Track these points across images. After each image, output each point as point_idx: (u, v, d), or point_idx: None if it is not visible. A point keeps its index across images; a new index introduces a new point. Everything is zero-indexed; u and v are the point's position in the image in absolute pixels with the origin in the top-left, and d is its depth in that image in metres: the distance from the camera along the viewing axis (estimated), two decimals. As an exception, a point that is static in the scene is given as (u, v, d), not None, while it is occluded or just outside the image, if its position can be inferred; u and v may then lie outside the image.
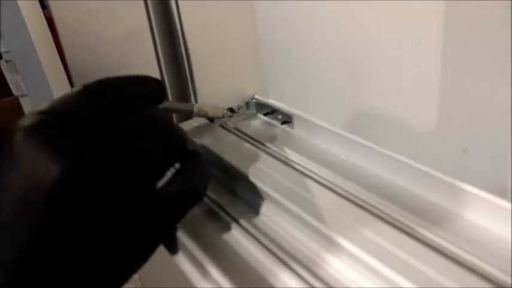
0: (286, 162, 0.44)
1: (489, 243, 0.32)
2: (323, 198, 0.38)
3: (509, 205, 0.32)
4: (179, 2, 0.48)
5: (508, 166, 0.31)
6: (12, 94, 1.19)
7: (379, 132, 0.43)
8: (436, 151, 0.37)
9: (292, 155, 0.46)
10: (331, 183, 0.41)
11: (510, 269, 0.29)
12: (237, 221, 0.39)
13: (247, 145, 0.48)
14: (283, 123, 0.52)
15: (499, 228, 0.33)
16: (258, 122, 0.55)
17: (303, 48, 0.48)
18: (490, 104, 0.30)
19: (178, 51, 0.51)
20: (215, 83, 0.53)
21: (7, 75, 1.16)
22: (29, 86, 1.14)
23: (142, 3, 0.47)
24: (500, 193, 0.32)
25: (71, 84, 0.46)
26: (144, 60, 0.49)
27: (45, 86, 1.17)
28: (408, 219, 0.35)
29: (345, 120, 0.47)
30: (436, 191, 0.37)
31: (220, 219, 0.40)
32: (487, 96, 0.30)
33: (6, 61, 1.16)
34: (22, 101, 1.22)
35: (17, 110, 1.19)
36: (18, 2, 1.17)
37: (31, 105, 1.15)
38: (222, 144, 0.47)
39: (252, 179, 0.40)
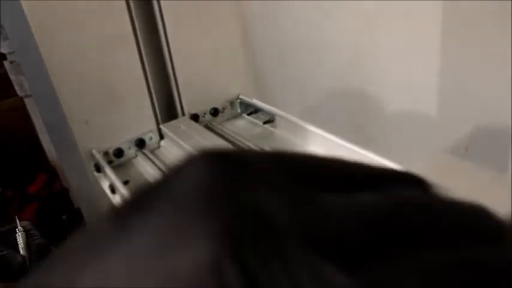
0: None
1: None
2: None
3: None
4: (161, 3, 0.49)
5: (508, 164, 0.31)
6: (14, 95, 1.21)
7: (376, 132, 0.43)
8: (436, 151, 0.36)
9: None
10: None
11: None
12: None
13: (229, 145, 0.48)
14: (265, 122, 0.52)
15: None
16: (242, 122, 0.55)
17: (291, 49, 0.48)
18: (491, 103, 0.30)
19: (162, 53, 0.52)
20: (200, 84, 0.54)
21: (12, 76, 1.18)
22: (32, 87, 1.16)
23: (125, 6, 0.48)
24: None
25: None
26: (128, 63, 0.50)
27: (48, 87, 1.18)
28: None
29: (335, 122, 0.47)
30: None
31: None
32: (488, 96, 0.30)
33: (11, 62, 1.19)
34: (27, 101, 1.24)
35: (18, 110, 1.21)
36: (22, 2, 1.19)
37: (35, 106, 1.17)
38: (204, 144, 0.48)
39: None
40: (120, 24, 0.48)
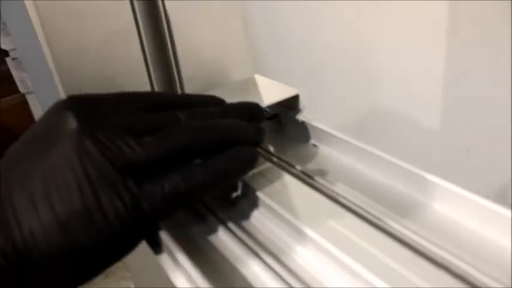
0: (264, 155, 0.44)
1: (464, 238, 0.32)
2: (299, 192, 0.38)
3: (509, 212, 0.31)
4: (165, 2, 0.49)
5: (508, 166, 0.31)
6: (15, 92, 1.21)
7: (377, 132, 0.43)
8: (437, 151, 0.36)
9: (273, 148, 0.47)
10: (313, 179, 0.41)
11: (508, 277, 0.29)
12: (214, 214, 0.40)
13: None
14: (268, 118, 0.52)
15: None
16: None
17: (297, 45, 0.48)
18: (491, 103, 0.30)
19: (165, 49, 0.52)
20: (203, 79, 0.54)
21: (14, 72, 1.18)
22: (35, 83, 1.16)
23: (128, 2, 0.48)
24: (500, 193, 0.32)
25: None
26: (131, 59, 0.49)
27: (51, 83, 1.18)
28: (381, 212, 0.35)
29: (341, 119, 0.46)
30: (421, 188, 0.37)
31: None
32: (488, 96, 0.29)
33: (13, 59, 1.19)
34: (28, 97, 1.25)
35: (19, 107, 1.21)
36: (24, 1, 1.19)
37: (37, 102, 1.17)
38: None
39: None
40: (123, 20, 0.48)
